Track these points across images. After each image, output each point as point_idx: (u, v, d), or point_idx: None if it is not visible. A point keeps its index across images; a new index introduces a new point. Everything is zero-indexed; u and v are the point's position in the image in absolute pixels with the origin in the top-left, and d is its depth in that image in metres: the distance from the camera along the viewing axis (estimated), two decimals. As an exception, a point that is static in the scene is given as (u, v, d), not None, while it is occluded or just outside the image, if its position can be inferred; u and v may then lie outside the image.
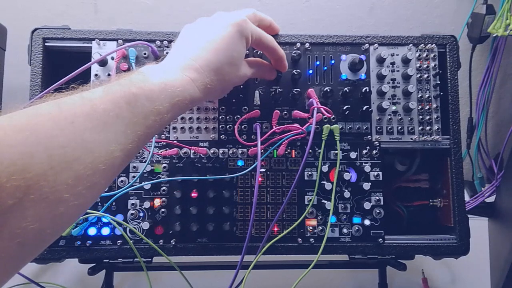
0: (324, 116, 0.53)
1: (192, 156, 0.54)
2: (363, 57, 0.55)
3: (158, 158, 0.54)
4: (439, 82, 0.56)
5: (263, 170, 0.54)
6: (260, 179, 0.54)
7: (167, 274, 0.63)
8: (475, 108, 0.86)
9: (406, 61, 0.56)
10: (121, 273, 0.67)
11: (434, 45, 0.57)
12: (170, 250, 0.52)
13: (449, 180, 0.56)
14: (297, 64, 0.56)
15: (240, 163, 0.54)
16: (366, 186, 0.53)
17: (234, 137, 0.53)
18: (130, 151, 0.33)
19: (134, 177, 0.53)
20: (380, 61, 0.56)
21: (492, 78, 0.83)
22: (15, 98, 0.65)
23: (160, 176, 0.53)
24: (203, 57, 0.41)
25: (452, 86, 0.56)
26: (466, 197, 0.80)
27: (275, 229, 0.53)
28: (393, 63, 0.57)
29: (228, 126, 0.54)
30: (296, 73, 0.54)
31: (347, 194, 0.54)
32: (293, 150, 0.55)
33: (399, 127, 0.56)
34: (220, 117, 0.55)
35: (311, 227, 0.53)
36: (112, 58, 0.54)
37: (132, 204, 0.53)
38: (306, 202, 0.54)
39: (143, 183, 0.52)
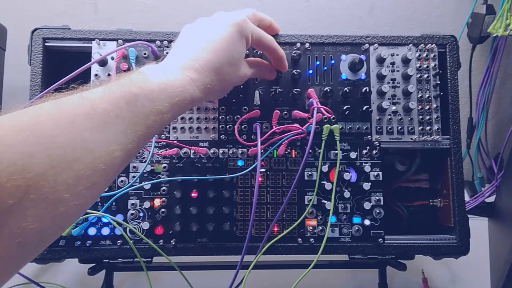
0: (324, 116, 0.53)
1: (192, 156, 0.54)
2: (363, 57, 0.55)
3: (158, 158, 0.54)
4: (439, 82, 0.56)
5: (263, 170, 0.54)
6: (260, 179, 0.54)
7: (167, 274, 0.63)
8: (475, 108, 0.86)
9: (406, 61, 0.56)
10: (121, 273, 0.67)
11: (434, 45, 0.57)
12: (170, 250, 0.52)
13: (449, 180, 0.56)
14: (297, 64, 0.56)
15: (240, 163, 0.54)
16: (366, 186, 0.53)
17: (234, 137, 0.53)
18: (130, 151, 0.33)
19: (134, 177, 0.53)
20: (380, 61, 0.56)
21: (492, 78, 0.83)
22: (15, 98, 0.65)
23: (160, 176, 0.53)
24: (203, 57, 0.41)
25: (452, 86, 0.56)
26: (466, 197, 0.80)
27: (275, 229, 0.53)
28: (393, 63, 0.57)
29: (228, 126, 0.54)
30: (296, 73, 0.54)
31: (347, 194, 0.54)
32: (293, 150, 0.55)
33: (399, 127, 0.56)
34: (220, 117, 0.55)
35: (311, 227, 0.53)
36: (112, 58, 0.54)
37: (132, 204, 0.53)
38: (306, 202, 0.54)
39: (143, 183, 0.52)
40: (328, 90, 0.54)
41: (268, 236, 0.51)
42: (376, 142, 0.55)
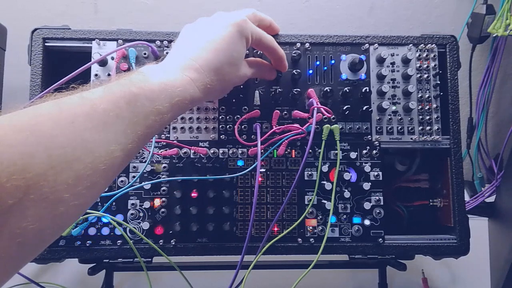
0: (324, 116, 0.53)
1: (192, 156, 0.54)
2: (363, 57, 0.55)
3: (158, 158, 0.54)
4: (439, 82, 0.56)
5: (263, 170, 0.54)
6: (260, 179, 0.54)
7: (167, 274, 0.63)
8: (475, 108, 0.86)
9: (406, 61, 0.56)
10: (121, 273, 0.67)
11: (434, 45, 0.57)
12: (170, 250, 0.52)
13: (449, 180, 0.56)
14: (297, 64, 0.56)
15: (240, 163, 0.54)
16: (366, 186, 0.53)
17: (234, 137, 0.53)
18: (130, 151, 0.33)
19: (134, 177, 0.53)
20: (380, 61, 0.56)
21: (492, 78, 0.83)
22: (15, 98, 0.65)
23: (160, 176, 0.53)
24: (203, 57, 0.41)
25: (452, 86, 0.56)
26: (466, 197, 0.80)
27: (275, 229, 0.53)
28: (393, 63, 0.57)
29: (228, 126, 0.54)
30: (296, 73, 0.54)
31: (347, 194, 0.54)
32: (293, 150, 0.55)
33: (399, 127, 0.56)
34: (220, 117, 0.55)
35: (311, 227, 0.53)
36: (112, 58, 0.54)
37: (132, 204, 0.53)
38: (306, 202, 0.54)
39: (143, 183, 0.52)
40: (328, 90, 0.54)
41: (268, 236, 0.51)
42: (376, 142, 0.55)
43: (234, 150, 0.54)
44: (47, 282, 0.64)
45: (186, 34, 0.45)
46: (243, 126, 0.54)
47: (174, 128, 0.54)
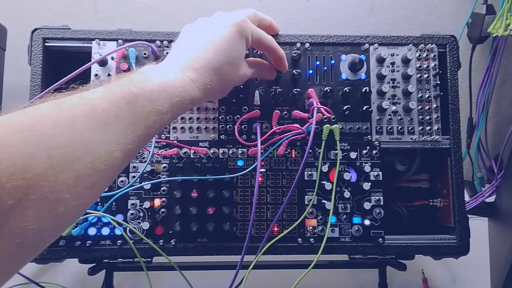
0: (324, 116, 0.53)
1: (192, 156, 0.54)
2: (363, 57, 0.55)
3: (158, 158, 0.54)
4: (439, 82, 0.56)
5: (263, 170, 0.54)
6: (260, 179, 0.54)
7: (167, 274, 0.63)
8: (475, 108, 0.86)
9: (406, 61, 0.56)
10: (121, 273, 0.67)
11: (434, 45, 0.57)
12: (170, 250, 0.52)
13: (449, 180, 0.56)
14: (297, 64, 0.56)
15: (240, 163, 0.54)
16: (366, 186, 0.53)
17: (234, 137, 0.53)
18: (130, 151, 0.33)
19: (134, 177, 0.53)
20: (380, 61, 0.56)
21: (492, 78, 0.83)
22: (15, 98, 0.65)
23: (160, 176, 0.53)
24: (203, 57, 0.41)
25: (452, 86, 0.56)
26: (466, 197, 0.80)
27: (275, 229, 0.53)
28: (393, 63, 0.57)
29: (228, 126, 0.54)
30: (296, 73, 0.54)
31: (347, 194, 0.54)
32: (293, 150, 0.55)
33: (399, 127, 0.56)
34: (220, 117, 0.55)
35: (311, 227, 0.53)
36: (112, 58, 0.54)
37: (132, 204, 0.53)
38: (306, 202, 0.54)
39: (143, 183, 0.52)
40: (328, 90, 0.54)
41: (268, 236, 0.51)
42: (376, 142, 0.55)
43: (234, 150, 0.54)
44: (47, 282, 0.64)
45: (186, 34, 0.45)
46: (243, 126, 0.54)
47: (174, 128, 0.54)
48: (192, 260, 0.56)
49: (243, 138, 0.54)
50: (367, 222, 0.54)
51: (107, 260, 0.53)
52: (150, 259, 0.53)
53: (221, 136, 0.54)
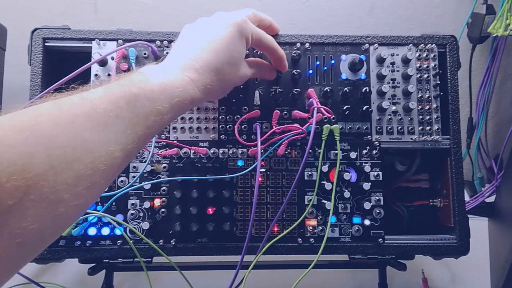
0: (324, 116, 0.53)
1: (192, 156, 0.54)
2: (363, 57, 0.55)
3: (158, 158, 0.54)
4: (439, 82, 0.56)
5: (263, 170, 0.54)
6: (260, 179, 0.54)
7: (167, 274, 0.63)
8: (475, 108, 0.86)
9: (406, 61, 0.56)
10: (121, 273, 0.67)
11: (434, 45, 0.57)
12: (170, 250, 0.52)
13: (449, 180, 0.56)
14: (297, 64, 0.56)
15: (240, 163, 0.54)
16: (366, 186, 0.53)
17: (234, 137, 0.53)
18: (130, 151, 0.33)
19: (134, 177, 0.53)
20: (380, 61, 0.56)
21: (492, 78, 0.83)
22: (15, 98, 0.65)
23: (160, 176, 0.53)
24: (203, 57, 0.41)
25: (452, 86, 0.56)
26: (466, 197, 0.80)
27: (275, 229, 0.53)
28: (393, 63, 0.57)
29: (228, 126, 0.54)
30: (296, 73, 0.54)
31: (347, 194, 0.54)
32: (293, 150, 0.55)
33: (399, 127, 0.56)
34: (220, 117, 0.55)
35: (311, 227, 0.53)
36: (112, 58, 0.54)
37: (132, 204, 0.53)
38: (306, 202, 0.54)
39: (143, 183, 0.52)
40: (328, 90, 0.54)
41: (268, 236, 0.51)
42: (376, 142, 0.55)
43: (234, 150, 0.54)
44: (47, 282, 0.64)
45: (186, 34, 0.45)
46: (243, 126, 0.54)
47: (174, 128, 0.54)
48: (192, 260, 0.56)
49: (243, 138, 0.53)
50: (367, 222, 0.54)
51: (107, 260, 0.53)
52: (150, 259, 0.53)
53: (221, 136, 0.54)
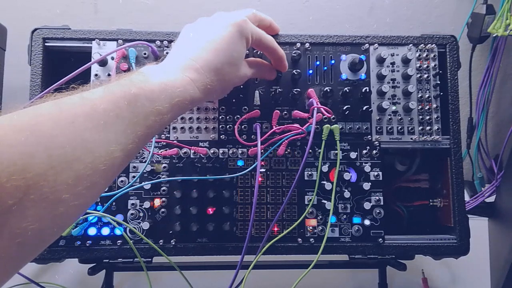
0: (324, 116, 0.53)
1: (192, 156, 0.54)
2: (363, 57, 0.55)
3: (158, 158, 0.54)
4: (439, 82, 0.56)
5: (263, 170, 0.54)
6: (260, 179, 0.54)
7: (167, 274, 0.63)
8: (475, 108, 0.86)
9: (406, 61, 0.56)
10: (121, 273, 0.67)
11: (434, 45, 0.57)
12: (170, 250, 0.52)
13: (449, 180, 0.56)
14: (297, 64, 0.56)
15: (240, 163, 0.54)
16: (366, 186, 0.53)
17: (234, 137, 0.53)
18: (130, 151, 0.33)
19: (134, 177, 0.53)
20: (380, 61, 0.56)
21: (492, 78, 0.83)
22: (15, 98, 0.65)
23: (160, 176, 0.53)
24: (203, 57, 0.41)
25: (452, 86, 0.56)
26: (466, 197, 0.80)
27: (275, 229, 0.53)
28: (393, 63, 0.57)
29: (228, 126, 0.54)
30: (296, 73, 0.54)
31: (347, 194, 0.54)
32: (293, 150, 0.54)
33: (399, 127, 0.56)
34: (220, 117, 0.55)
35: (311, 227, 0.53)
36: (112, 58, 0.54)
37: (132, 204, 0.53)
38: (306, 202, 0.54)
39: (143, 183, 0.52)
40: (328, 90, 0.54)
41: (268, 236, 0.51)
42: (376, 142, 0.55)
43: (234, 150, 0.54)
44: (47, 282, 0.64)
45: (186, 34, 0.45)
46: (243, 126, 0.54)
47: (174, 128, 0.54)
48: (192, 260, 0.56)
49: (243, 138, 0.53)
50: (367, 222, 0.54)
51: (107, 260, 0.53)
52: (150, 259, 0.53)
53: (221, 136, 0.54)
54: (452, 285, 0.71)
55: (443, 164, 0.57)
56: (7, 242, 0.25)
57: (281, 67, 0.52)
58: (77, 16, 0.87)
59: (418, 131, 0.56)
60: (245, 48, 0.45)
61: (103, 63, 0.54)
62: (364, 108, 0.54)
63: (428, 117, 0.56)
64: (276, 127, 0.53)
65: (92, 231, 0.52)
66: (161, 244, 0.52)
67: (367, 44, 0.56)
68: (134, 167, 0.53)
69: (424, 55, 0.57)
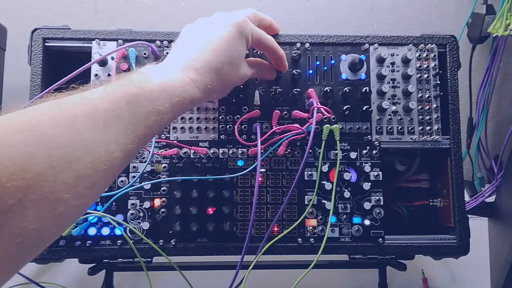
0: (324, 116, 0.53)
1: (192, 156, 0.54)
2: (363, 57, 0.55)
3: (158, 158, 0.54)
4: (439, 82, 0.56)
5: (263, 170, 0.54)
6: (260, 179, 0.54)
7: (167, 274, 0.63)
8: (475, 108, 0.86)
9: (406, 61, 0.56)
10: (121, 273, 0.67)
11: (434, 45, 0.57)
12: (170, 250, 0.52)
13: (449, 180, 0.56)
14: (297, 64, 0.56)
15: (240, 163, 0.54)
16: (366, 186, 0.53)
17: (234, 137, 0.53)
18: (130, 151, 0.33)
19: (134, 177, 0.53)
20: (380, 61, 0.56)
21: (492, 78, 0.83)
22: (15, 98, 0.65)
23: (160, 176, 0.53)
24: (203, 57, 0.41)
25: (452, 86, 0.56)
26: (466, 197, 0.80)
27: (275, 229, 0.53)
28: (393, 63, 0.57)
29: (228, 126, 0.54)
30: (296, 73, 0.54)
31: (347, 194, 0.54)
32: (293, 150, 0.54)
33: (399, 127, 0.56)
34: (220, 117, 0.55)
35: (311, 227, 0.53)
36: (112, 58, 0.54)
37: (132, 204, 0.53)
38: (306, 202, 0.54)
39: (143, 183, 0.52)
40: (328, 90, 0.54)
41: (268, 236, 0.51)
42: (376, 142, 0.55)
43: (234, 150, 0.54)
44: (47, 282, 0.64)
45: (186, 34, 0.45)
46: (243, 126, 0.54)
47: (174, 128, 0.54)
48: (192, 260, 0.56)
49: (243, 138, 0.53)
50: (367, 222, 0.54)
51: (107, 260, 0.53)
52: (150, 259, 0.53)
53: (221, 136, 0.54)
54: (452, 285, 0.71)
55: (443, 164, 0.57)
56: (7, 242, 0.25)
57: (281, 67, 0.52)
58: (77, 16, 0.87)
59: (418, 131, 0.56)
60: (245, 48, 0.45)
61: (103, 63, 0.54)
62: (364, 108, 0.54)
63: (428, 117, 0.56)
64: (276, 127, 0.53)
65: (92, 231, 0.52)
66: (161, 244, 0.52)
67: (367, 44, 0.56)
68: (134, 167, 0.53)
69: (424, 55, 0.57)
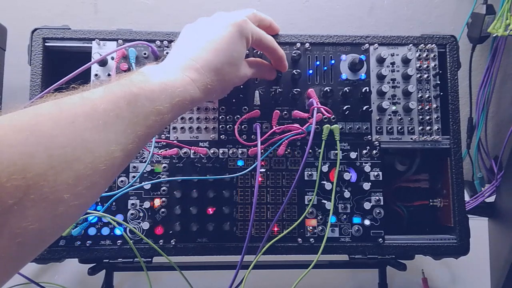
0: (324, 116, 0.53)
1: (192, 156, 0.54)
2: (363, 57, 0.55)
3: (158, 158, 0.54)
4: (439, 82, 0.56)
5: (263, 170, 0.54)
6: (260, 179, 0.54)
7: (167, 274, 0.63)
8: (475, 108, 0.86)
9: (406, 61, 0.56)
10: (121, 273, 0.67)
11: (434, 45, 0.57)
12: (170, 250, 0.52)
13: (449, 180, 0.56)
14: (297, 64, 0.56)
15: (240, 163, 0.54)
16: (366, 186, 0.53)
17: (234, 137, 0.53)
18: (130, 152, 0.33)
19: (134, 177, 0.53)
20: (380, 61, 0.56)
21: (492, 78, 0.83)
22: (15, 98, 0.65)
23: (160, 176, 0.53)
24: (203, 57, 0.41)
25: (452, 86, 0.56)
26: (466, 197, 0.80)
27: (275, 229, 0.53)
28: (393, 63, 0.57)
29: (228, 126, 0.54)
30: (296, 73, 0.54)
31: (347, 194, 0.54)
32: (293, 150, 0.54)
33: (399, 127, 0.56)
34: (220, 117, 0.55)
35: (311, 227, 0.53)
36: (112, 58, 0.54)
37: (132, 204, 0.53)
38: (306, 202, 0.54)
39: (143, 183, 0.52)
40: (328, 90, 0.54)
41: (268, 236, 0.51)
42: (376, 142, 0.55)
43: (234, 150, 0.54)
44: (47, 282, 0.64)
45: (186, 34, 0.45)
46: (243, 126, 0.54)
47: (174, 128, 0.54)
48: (192, 260, 0.56)
49: (243, 138, 0.54)
50: (367, 222, 0.54)
51: (107, 260, 0.53)
52: (150, 259, 0.53)
53: (221, 136, 0.54)
54: (452, 285, 0.71)
55: (443, 164, 0.57)
56: (7, 242, 0.25)
57: (281, 67, 0.52)
58: (77, 16, 0.87)
59: (418, 131, 0.56)
60: (245, 48, 0.45)
61: (103, 63, 0.54)
62: (364, 108, 0.54)
63: (428, 117, 0.56)
64: (276, 127, 0.53)
65: (92, 231, 0.52)
66: (161, 244, 0.52)
67: (367, 44, 0.56)
68: (134, 167, 0.53)
69: (424, 55, 0.57)
